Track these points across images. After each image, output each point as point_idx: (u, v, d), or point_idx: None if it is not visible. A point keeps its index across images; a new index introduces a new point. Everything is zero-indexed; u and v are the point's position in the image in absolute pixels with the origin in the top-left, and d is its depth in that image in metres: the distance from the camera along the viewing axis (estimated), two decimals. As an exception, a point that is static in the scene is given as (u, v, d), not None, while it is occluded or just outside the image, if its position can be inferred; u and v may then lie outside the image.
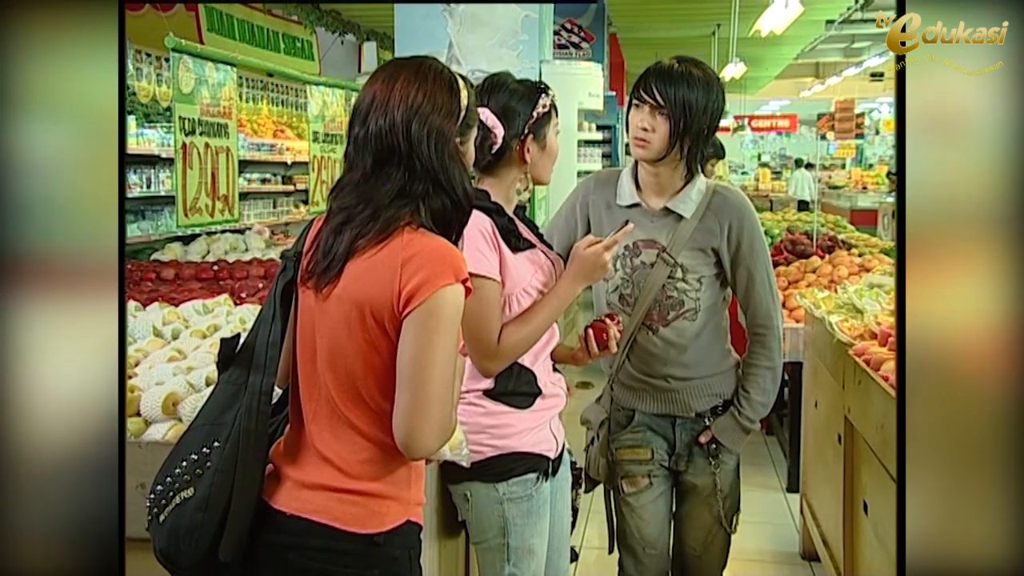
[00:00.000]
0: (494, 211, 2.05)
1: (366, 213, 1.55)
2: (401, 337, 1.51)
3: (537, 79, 2.22)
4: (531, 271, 2.07)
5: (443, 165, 1.58)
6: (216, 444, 1.56)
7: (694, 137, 2.28)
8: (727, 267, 2.37)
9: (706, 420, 2.43)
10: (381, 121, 1.57)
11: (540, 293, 2.08)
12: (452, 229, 1.62)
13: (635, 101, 2.31)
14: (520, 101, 2.09)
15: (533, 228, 2.25)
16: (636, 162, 2.40)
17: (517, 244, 2.07)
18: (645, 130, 2.28)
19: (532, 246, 2.12)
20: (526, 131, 2.09)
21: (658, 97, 2.26)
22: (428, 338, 1.50)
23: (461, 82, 1.65)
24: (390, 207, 1.55)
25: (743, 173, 21.90)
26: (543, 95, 2.12)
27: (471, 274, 1.59)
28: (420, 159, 1.56)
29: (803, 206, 10.67)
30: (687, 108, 2.24)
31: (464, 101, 1.63)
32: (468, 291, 1.55)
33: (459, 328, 1.55)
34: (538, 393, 2.11)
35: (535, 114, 2.09)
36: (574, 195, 2.54)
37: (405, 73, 1.60)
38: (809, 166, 16.28)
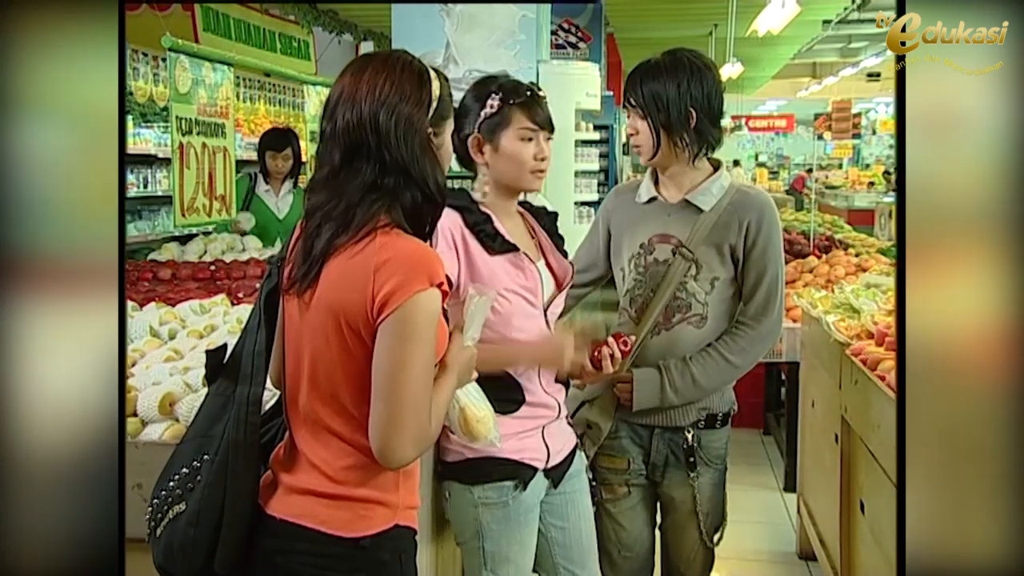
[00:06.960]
0: (466, 208, 2.00)
1: (340, 209, 1.53)
2: (376, 345, 1.49)
3: (535, 79, 2.21)
4: (511, 273, 2.01)
5: (413, 156, 1.54)
6: (206, 457, 1.56)
7: (674, 127, 2.22)
8: (740, 264, 2.28)
9: (686, 432, 2.35)
10: (349, 114, 1.54)
11: (519, 296, 2.02)
12: (424, 224, 1.59)
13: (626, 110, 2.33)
14: (475, 100, 2.05)
15: (553, 235, 2.18)
16: None
17: (492, 245, 2.00)
18: (633, 135, 2.29)
19: (513, 249, 2.02)
20: (475, 130, 2.04)
21: (631, 99, 2.26)
22: (402, 346, 1.47)
23: (432, 73, 1.62)
24: (362, 203, 1.53)
25: (740, 173, 21.99)
26: (492, 95, 2.03)
27: None
28: (389, 151, 1.53)
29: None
30: (655, 100, 2.22)
31: (436, 91, 1.60)
32: (444, 295, 1.53)
33: (436, 333, 1.52)
34: (522, 400, 2.05)
35: (483, 114, 2.03)
36: (599, 212, 2.53)
37: (373, 65, 1.58)
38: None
